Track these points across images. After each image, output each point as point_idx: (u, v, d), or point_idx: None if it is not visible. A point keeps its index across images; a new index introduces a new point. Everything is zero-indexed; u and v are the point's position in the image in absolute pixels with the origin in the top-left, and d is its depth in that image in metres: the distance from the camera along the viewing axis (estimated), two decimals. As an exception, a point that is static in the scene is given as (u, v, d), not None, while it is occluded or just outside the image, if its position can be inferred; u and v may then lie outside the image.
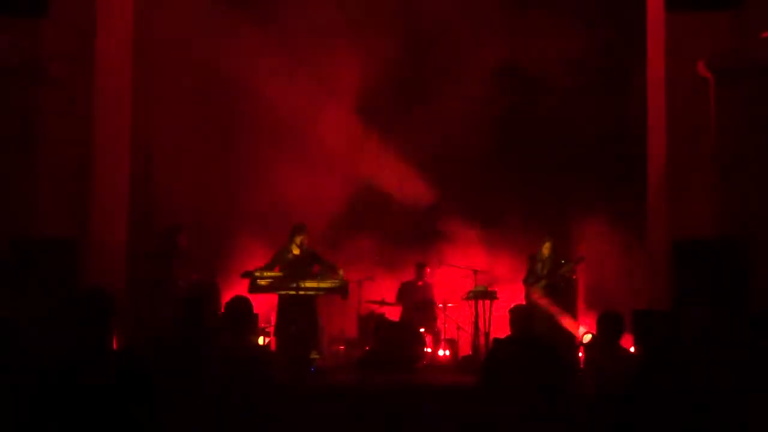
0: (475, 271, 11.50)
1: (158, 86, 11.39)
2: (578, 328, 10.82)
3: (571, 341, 10.50)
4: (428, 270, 12.00)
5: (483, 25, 11.79)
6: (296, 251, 10.40)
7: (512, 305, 6.67)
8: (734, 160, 9.26)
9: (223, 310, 5.98)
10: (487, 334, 10.92)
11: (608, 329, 6.27)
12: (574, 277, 10.98)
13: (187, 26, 11.49)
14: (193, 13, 11.61)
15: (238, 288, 10.01)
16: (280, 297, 10.25)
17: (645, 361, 5.23)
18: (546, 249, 10.94)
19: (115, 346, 5.31)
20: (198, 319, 5.53)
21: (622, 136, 11.80)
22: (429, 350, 11.25)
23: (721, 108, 9.32)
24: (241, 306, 5.79)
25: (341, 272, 10.29)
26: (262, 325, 11.12)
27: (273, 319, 10.49)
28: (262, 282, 10.09)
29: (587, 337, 10.31)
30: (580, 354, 10.14)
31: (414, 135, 12.30)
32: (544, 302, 10.68)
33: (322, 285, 10.23)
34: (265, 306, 10.82)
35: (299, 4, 11.90)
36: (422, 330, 11.19)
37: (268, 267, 10.27)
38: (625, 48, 11.62)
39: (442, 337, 11.63)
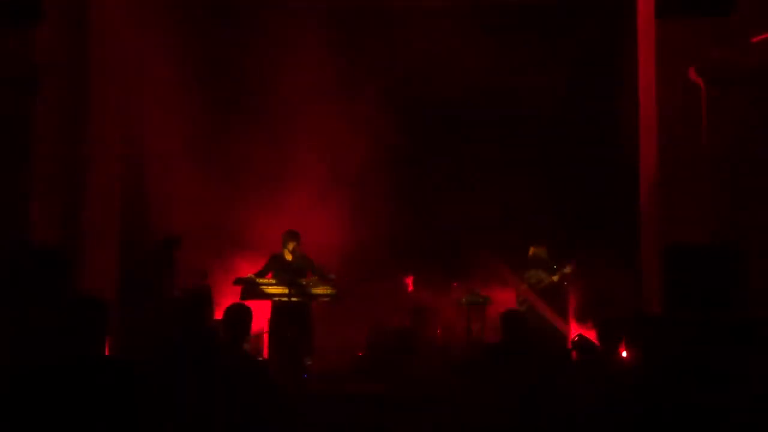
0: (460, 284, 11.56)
1: (151, 96, 11.37)
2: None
3: (563, 344, 10.51)
4: (411, 278, 11.99)
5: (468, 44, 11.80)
6: (289, 257, 10.40)
7: (504, 311, 6.69)
8: (726, 166, 9.29)
9: (222, 317, 5.99)
10: (480, 340, 10.91)
11: (609, 336, 6.28)
12: (564, 283, 11.00)
13: (183, 35, 11.50)
14: (190, 22, 11.62)
15: (231, 295, 10.00)
16: (274, 303, 10.25)
17: (639, 366, 5.25)
18: (542, 253, 10.97)
19: (107, 353, 5.30)
20: (192, 324, 5.54)
21: (613, 142, 11.82)
22: (422, 355, 11.23)
23: (712, 114, 9.36)
24: (241, 313, 5.80)
25: (333, 276, 10.32)
26: (255, 331, 11.10)
27: (266, 325, 10.48)
28: (255, 288, 10.08)
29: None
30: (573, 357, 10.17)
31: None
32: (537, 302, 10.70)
33: (316, 291, 10.25)
34: (259, 312, 10.80)
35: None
36: (415, 335, 11.19)
37: (261, 273, 10.27)
38: (615, 55, 11.64)
39: (435, 342, 11.61)
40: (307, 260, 10.50)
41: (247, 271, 10.47)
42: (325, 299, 10.43)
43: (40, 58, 9.62)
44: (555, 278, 10.83)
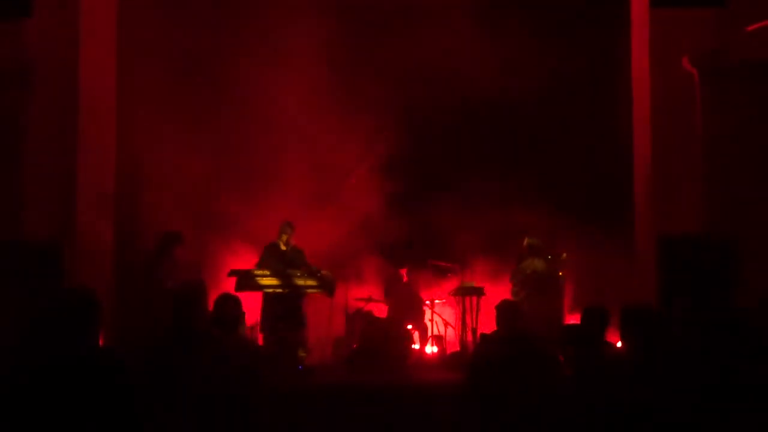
0: (462, 268, 11.54)
1: (144, 90, 11.32)
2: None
3: (557, 334, 10.50)
4: (406, 270, 11.99)
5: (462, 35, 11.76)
6: (283, 248, 10.39)
7: (499, 301, 6.68)
8: (720, 156, 9.29)
9: (211, 309, 5.99)
10: (474, 331, 10.93)
11: (593, 324, 6.29)
12: (560, 273, 11.00)
13: (174, 30, 11.45)
14: (180, 17, 11.57)
15: (224, 287, 9.98)
16: (267, 295, 10.22)
17: (631, 356, 5.24)
18: (537, 243, 10.97)
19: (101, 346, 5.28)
20: (188, 317, 5.52)
21: (608, 132, 11.82)
22: (416, 347, 11.26)
23: (705, 103, 9.35)
24: (229, 303, 5.80)
25: (323, 273, 10.30)
26: (249, 323, 11.08)
27: (259, 317, 10.47)
28: (250, 280, 10.06)
29: None
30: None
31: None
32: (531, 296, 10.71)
33: (309, 283, 10.22)
34: (252, 304, 10.79)
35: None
36: (410, 327, 11.22)
37: (260, 265, 10.25)
38: (609, 45, 11.63)
39: (430, 333, 11.64)
40: (299, 252, 10.49)
41: (237, 264, 10.47)
42: (312, 291, 10.38)
43: (32, 54, 9.59)
44: (551, 268, 10.82)
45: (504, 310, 6.46)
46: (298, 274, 10.20)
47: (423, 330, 11.60)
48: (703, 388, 4.89)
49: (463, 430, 6.25)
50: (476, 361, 6.32)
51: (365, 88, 11.82)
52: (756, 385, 4.92)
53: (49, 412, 4.26)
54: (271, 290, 10.12)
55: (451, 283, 11.59)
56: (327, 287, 10.32)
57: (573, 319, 10.94)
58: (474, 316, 10.99)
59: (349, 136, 11.89)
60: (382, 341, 10.65)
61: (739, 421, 4.81)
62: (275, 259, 10.31)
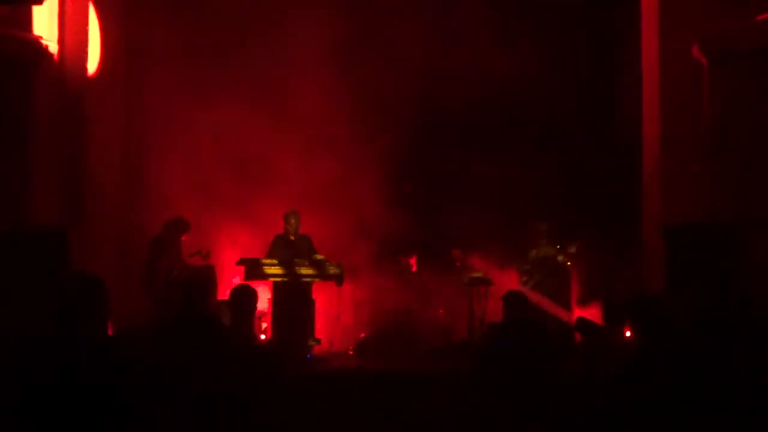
0: (470, 258, 11.53)
1: (152, 75, 11.33)
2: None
3: (565, 325, 10.50)
4: (414, 258, 11.98)
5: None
6: (291, 237, 10.41)
7: (506, 291, 6.69)
8: (728, 145, 9.25)
9: (228, 298, 6.01)
10: (482, 320, 10.92)
11: (611, 318, 6.29)
12: (568, 263, 10.98)
13: (181, 19, 11.45)
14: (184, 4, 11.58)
15: (229, 273, 10.01)
16: (276, 283, 10.23)
17: (641, 346, 5.24)
18: (546, 232, 10.96)
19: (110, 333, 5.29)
20: (199, 305, 5.53)
21: (616, 120, 11.78)
22: (425, 336, 11.25)
23: (715, 92, 9.30)
24: (246, 294, 5.82)
25: (331, 262, 10.29)
26: (258, 312, 11.10)
27: (269, 306, 10.49)
28: (257, 269, 10.07)
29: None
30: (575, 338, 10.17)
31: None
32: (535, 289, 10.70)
33: (315, 272, 10.23)
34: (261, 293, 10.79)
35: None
36: (416, 316, 11.22)
37: (270, 256, 10.26)
38: (618, 34, 11.57)
39: (438, 323, 11.62)
40: (307, 240, 10.50)
41: (242, 254, 10.50)
42: (318, 280, 10.37)
43: (40, 38, 9.61)
44: (560, 257, 10.82)
45: (510, 299, 6.47)
46: (306, 264, 10.21)
47: (431, 319, 11.59)
48: (708, 373, 4.90)
49: (470, 418, 6.27)
50: (483, 350, 6.33)
51: (371, 82, 11.79)
52: (756, 379, 4.92)
53: (56, 399, 4.27)
54: (278, 279, 10.13)
55: (460, 273, 11.57)
56: (334, 276, 10.33)
57: (579, 309, 10.94)
58: (482, 306, 10.98)
59: (352, 131, 11.86)
60: (391, 330, 10.66)
61: (739, 417, 4.81)
62: (283, 249, 10.33)
